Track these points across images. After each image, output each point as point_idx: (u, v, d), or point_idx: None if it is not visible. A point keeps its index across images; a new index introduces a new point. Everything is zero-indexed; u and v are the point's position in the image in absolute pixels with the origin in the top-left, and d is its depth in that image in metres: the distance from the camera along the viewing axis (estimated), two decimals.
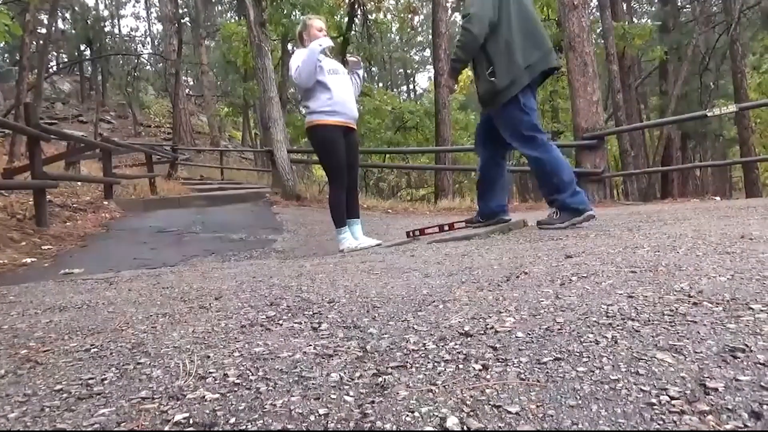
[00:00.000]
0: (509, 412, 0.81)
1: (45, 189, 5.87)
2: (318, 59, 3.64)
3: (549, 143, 3.39)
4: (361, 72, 4.14)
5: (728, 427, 0.72)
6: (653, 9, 25.31)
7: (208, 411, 0.90)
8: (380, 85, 31.96)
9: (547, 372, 0.94)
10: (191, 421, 0.86)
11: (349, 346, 1.19)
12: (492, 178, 3.69)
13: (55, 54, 29.49)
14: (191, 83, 33.41)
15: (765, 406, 0.75)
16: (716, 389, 0.82)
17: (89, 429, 0.87)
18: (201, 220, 6.89)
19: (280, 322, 1.46)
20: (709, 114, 8.39)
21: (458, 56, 3.41)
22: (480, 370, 0.98)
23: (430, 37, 16.00)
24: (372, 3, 16.32)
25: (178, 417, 0.88)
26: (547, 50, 3.40)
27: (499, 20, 3.26)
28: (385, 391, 0.92)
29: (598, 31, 14.09)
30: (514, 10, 3.30)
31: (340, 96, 3.78)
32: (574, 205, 3.25)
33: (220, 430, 0.83)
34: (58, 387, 1.07)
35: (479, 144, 3.73)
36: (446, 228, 3.75)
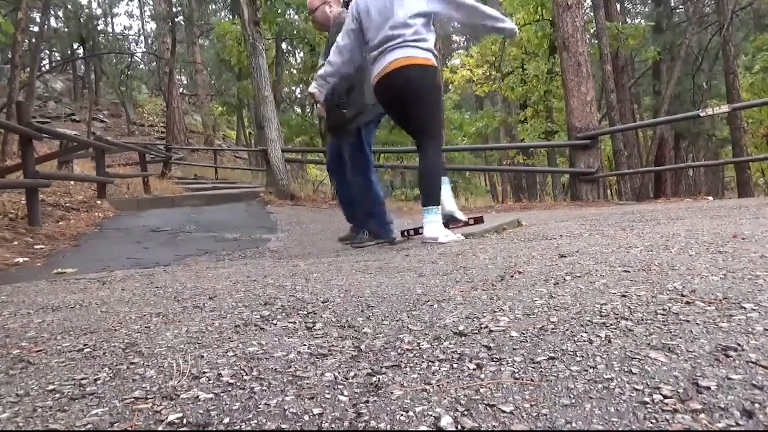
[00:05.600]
0: (503, 411, 0.81)
1: (37, 188, 5.84)
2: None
3: (374, 177, 3.87)
4: None
5: (720, 425, 0.72)
6: (646, 9, 25.45)
7: (201, 411, 0.89)
8: None
9: (541, 371, 0.95)
10: (185, 421, 0.86)
11: (343, 346, 1.19)
12: (353, 200, 3.95)
13: (47, 52, 29.35)
14: (185, 82, 33.33)
15: (757, 405, 0.76)
16: (709, 388, 0.82)
17: (82, 429, 0.87)
18: (195, 219, 6.87)
19: (275, 321, 1.45)
20: (701, 114, 8.44)
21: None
22: (474, 370, 0.98)
23: None
24: None
25: (172, 417, 0.88)
26: None
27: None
28: (380, 391, 0.92)
29: (592, 31, 14.12)
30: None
31: None
32: (376, 231, 3.85)
33: (214, 430, 0.83)
34: (51, 387, 1.07)
35: (332, 171, 4.07)
36: None
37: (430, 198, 3.18)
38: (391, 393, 0.90)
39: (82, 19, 25.59)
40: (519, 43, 15.73)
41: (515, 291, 1.53)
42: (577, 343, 1.06)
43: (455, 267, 2.07)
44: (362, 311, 1.48)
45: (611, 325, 1.15)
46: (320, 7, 3.89)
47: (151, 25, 32.91)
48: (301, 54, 17.90)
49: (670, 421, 0.74)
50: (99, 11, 31.58)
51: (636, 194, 13.24)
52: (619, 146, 12.67)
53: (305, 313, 1.52)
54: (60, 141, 10.43)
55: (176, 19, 23.10)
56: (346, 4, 3.81)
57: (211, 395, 0.96)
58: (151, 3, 28.59)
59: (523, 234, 3.16)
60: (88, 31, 25.59)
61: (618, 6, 18.70)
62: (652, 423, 0.74)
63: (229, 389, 0.98)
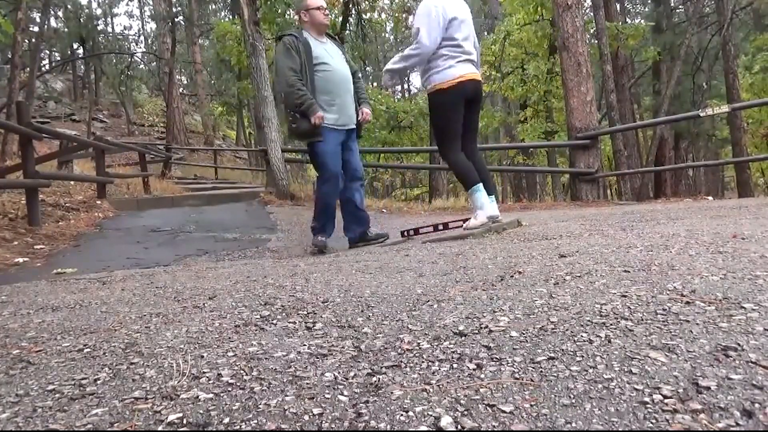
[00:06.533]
0: (503, 411, 0.81)
1: (37, 188, 5.83)
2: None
3: None
4: None
5: (720, 425, 0.72)
6: (646, 9, 25.44)
7: (201, 411, 0.89)
8: (374, 84, 31.95)
9: (541, 371, 0.95)
10: (185, 421, 0.86)
11: (343, 346, 1.19)
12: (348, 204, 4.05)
13: (47, 52, 29.34)
14: (185, 82, 33.32)
15: (757, 405, 0.76)
16: (708, 388, 0.82)
17: (82, 429, 0.87)
18: (195, 219, 6.87)
19: (275, 321, 1.45)
20: (701, 114, 8.42)
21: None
22: (474, 370, 0.98)
23: None
24: (366, 2, 16.31)
25: (172, 417, 0.88)
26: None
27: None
28: (380, 391, 0.92)
29: (592, 31, 14.11)
30: None
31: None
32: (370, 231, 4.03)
33: (214, 430, 0.83)
34: (51, 387, 1.07)
35: (339, 175, 3.89)
36: (440, 227, 3.74)
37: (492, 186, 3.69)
38: (391, 393, 0.90)
39: (82, 19, 25.56)
40: (519, 43, 15.71)
41: (515, 291, 1.53)
42: (577, 343, 1.06)
43: (455, 267, 2.08)
44: (362, 311, 1.48)
45: (611, 325, 1.15)
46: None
47: (151, 25, 32.93)
48: None
49: (670, 421, 0.74)
50: (99, 11, 31.62)
51: (636, 194, 13.23)
52: (619, 146, 12.65)
53: (305, 313, 1.52)
54: (60, 141, 10.41)
55: (176, 19, 23.08)
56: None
57: (211, 395, 0.96)
58: (151, 3, 28.61)
59: (523, 234, 3.16)
60: (88, 31, 25.56)
61: (618, 6, 18.69)
62: (652, 423, 0.74)
63: (229, 389, 0.98)
